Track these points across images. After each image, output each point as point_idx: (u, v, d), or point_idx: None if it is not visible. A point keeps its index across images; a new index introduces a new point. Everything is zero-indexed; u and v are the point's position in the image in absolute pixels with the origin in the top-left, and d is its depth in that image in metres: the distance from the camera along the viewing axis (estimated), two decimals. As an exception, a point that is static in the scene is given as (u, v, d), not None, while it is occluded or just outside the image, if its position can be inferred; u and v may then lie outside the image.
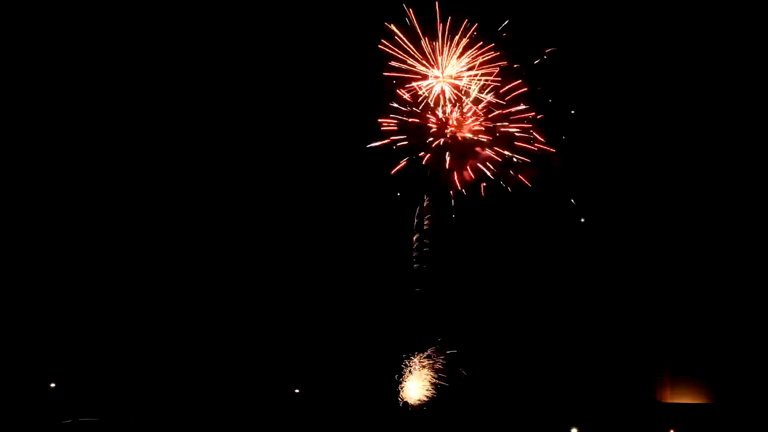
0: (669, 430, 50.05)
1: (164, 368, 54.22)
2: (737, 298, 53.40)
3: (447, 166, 48.59)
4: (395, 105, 47.91)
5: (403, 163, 48.82)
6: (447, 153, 48.46)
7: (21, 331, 53.79)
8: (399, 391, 51.62)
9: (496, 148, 48.39)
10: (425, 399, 52.31)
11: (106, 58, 56.30)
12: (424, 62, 47.31)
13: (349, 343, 54.15)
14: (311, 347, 54.99)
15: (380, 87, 47.84)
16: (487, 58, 46.96)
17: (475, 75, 46.89)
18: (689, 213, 54.75)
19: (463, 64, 47.16)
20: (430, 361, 52.23)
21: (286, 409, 53.30)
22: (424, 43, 46.96)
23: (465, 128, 48.34)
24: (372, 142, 48.56)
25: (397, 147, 48.48)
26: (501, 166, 48.50)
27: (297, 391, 54.53)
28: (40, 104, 55.91)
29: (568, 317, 54.53)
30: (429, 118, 48.28)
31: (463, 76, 47.31)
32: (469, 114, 48.08)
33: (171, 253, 56.13)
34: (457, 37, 46.69)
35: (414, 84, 47.53)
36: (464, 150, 48.48)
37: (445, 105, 47.94)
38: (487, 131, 48.19)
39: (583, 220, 51.65)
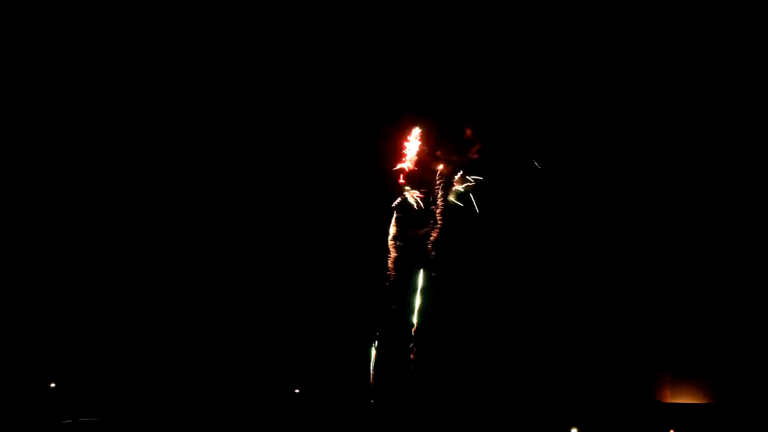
0: (669, 430, 50.02)
1: (164, 368, 54.21)
2: (737, 298, 53.46)
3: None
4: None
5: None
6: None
7: (21, 330, 53.79)
8: (397, 391, 51.67)
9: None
10: (423, 399, 52.34)
11: (106, 58, 56.51)
12: None
13: (348, 343, 54.15)
14: (310, 348, 55.01)
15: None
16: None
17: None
18: (689, 213, 54.84)
19: None
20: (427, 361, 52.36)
21: (286, 409, 53.26)
22: None
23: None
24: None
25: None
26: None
27: (297, 391, 54.54)
28: (40, 104, 56.00)
29: (568, 318, 54.56)
30: None
31: None
32: None
33: (170, 253, 56.18)
34: None
35: None
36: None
37: None
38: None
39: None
